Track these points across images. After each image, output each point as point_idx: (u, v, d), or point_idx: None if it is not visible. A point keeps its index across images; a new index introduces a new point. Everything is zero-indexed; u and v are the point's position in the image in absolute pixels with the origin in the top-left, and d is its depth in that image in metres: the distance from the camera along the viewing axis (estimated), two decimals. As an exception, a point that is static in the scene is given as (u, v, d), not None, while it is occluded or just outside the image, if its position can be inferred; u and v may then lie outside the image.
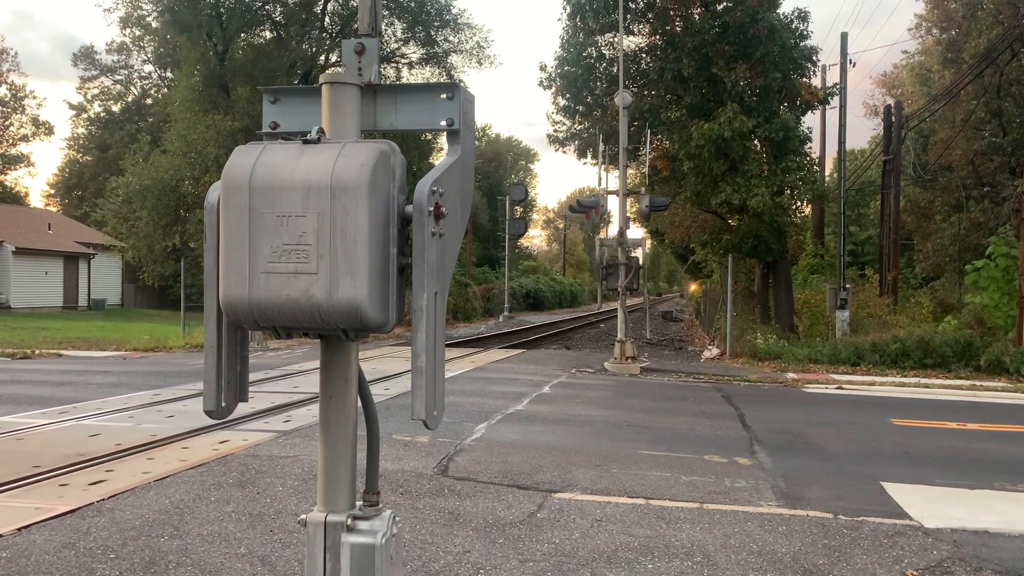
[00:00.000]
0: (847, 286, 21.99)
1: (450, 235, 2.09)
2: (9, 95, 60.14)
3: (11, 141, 61.43)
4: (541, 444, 8.41)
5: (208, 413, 2.17)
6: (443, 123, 2.19)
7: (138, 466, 6.95)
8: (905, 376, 16.08)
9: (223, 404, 2.16)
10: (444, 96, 2.20)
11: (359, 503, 2.26)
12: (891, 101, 32.60)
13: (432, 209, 1.97)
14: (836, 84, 23.62)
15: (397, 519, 2.27)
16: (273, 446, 7.82)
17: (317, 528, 2.17)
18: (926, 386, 14.73)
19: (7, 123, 60.88)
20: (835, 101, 23.81)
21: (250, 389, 2.29)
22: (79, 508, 5.63)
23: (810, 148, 22.31)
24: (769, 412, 11.27)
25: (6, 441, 8.01)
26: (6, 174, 62.18)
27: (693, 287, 59.58)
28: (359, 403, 2.26)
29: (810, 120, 26.92)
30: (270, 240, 1.95)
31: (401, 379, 13.27)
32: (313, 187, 1.93)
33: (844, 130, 23.27)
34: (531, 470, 7.12)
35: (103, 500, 5.83)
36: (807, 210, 30.37)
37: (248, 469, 6.85)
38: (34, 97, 65.04)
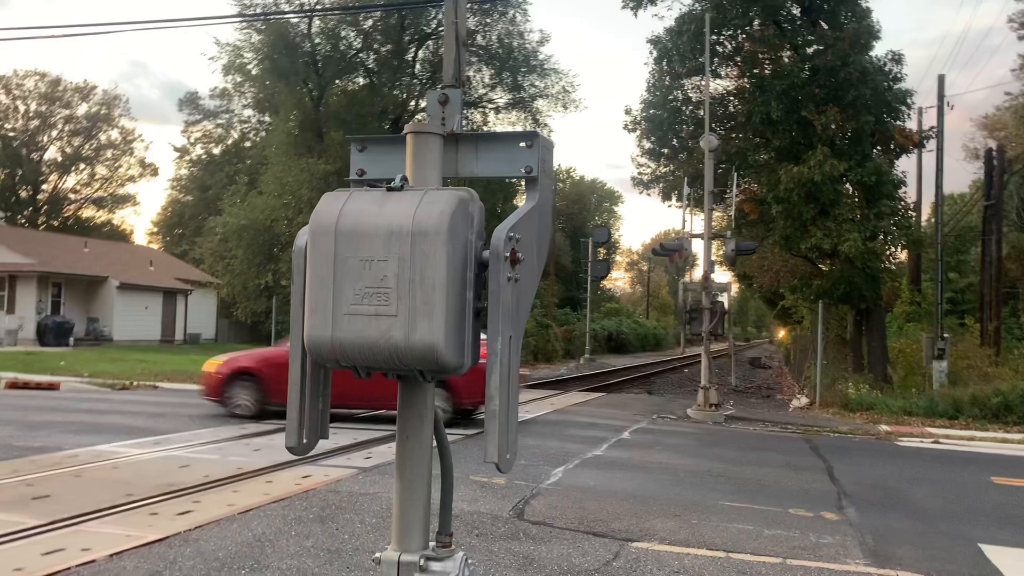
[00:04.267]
0: (945, 335, 21.06)
1: (526, 280, 2.11)
2: (120, 138, 63.87)
3: (120, 181, 65.12)
4: (619, 491, 8.29)
5: (290, 449, 2.23)
6: (522, 170, 2.23)
7: (224, 498, 7.15)
8: (1008, 432, 15.24)
9: (304, 441, 2.22)
10: (523, 144, 2.24)
11: (432, 543, 2.27)
12: (993, 144, 31.40)
13: (508, 255, 2.00)
14: (933, 127, 22.99)
15: (470, 561, 2.28)
16: (353, 482, 7.93)
17: (391, 567, 2.19)
18: (1031, 443, 13.94)
19: (117, 165, 64.58)
20: (932, 144, 23.15)
21: (332, 424, 2.35)
22: (167, 537, 5.81)
23: (905, 193, 21.73)
24: (859, 465, 10.84)
25: (103, 469, 8.36)
26: (114, 212, 65.82)
27: (782, 333, 58.07)
28: (434, 443, 2.29)
29: (905, 164, 26.23)
30: (353, 283, 2.01)
31: (476, 420, 13.30)
32: (395, 232, 1.99)
33: (941, 174, 22.54)
34: (608, 517, 7.02)
35: (190, 530, 6.01)
36: (902, 256, 29.38)
37: (328, 505, 6.96)
38: (142, 140, 68.83)
